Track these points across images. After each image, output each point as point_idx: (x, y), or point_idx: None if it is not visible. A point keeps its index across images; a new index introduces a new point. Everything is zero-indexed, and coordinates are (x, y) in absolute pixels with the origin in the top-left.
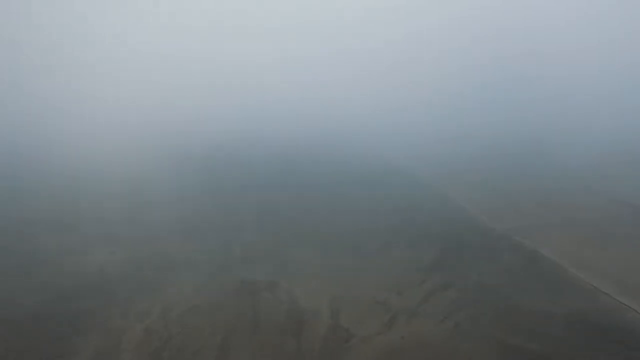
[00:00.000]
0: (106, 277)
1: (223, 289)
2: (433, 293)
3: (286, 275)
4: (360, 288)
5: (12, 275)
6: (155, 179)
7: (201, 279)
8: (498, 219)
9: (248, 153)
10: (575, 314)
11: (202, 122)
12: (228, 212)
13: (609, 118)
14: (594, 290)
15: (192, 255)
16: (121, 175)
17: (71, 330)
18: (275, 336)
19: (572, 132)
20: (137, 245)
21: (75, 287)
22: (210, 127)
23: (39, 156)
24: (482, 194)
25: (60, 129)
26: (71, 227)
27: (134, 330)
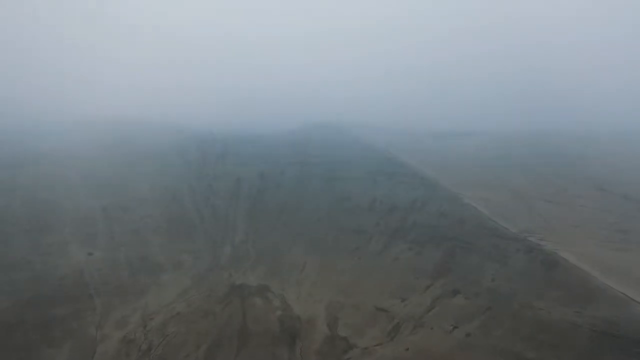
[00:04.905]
0: (82, 281)
1: (210, 294)
2: (440, 299)
3: (278, 277)
4: (359, 293)
5: None
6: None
7: (186, 282)
8: (511, 219)
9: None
10: (603, 325)
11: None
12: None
13: (614, 119)
14: (623, 298)
15: (178, 256)
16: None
17: (42, 339)
18: (266, 347)
19: (581, 133)
20: (117, 246)
21: (48, 291)
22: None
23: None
24: (492, 192)
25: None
26: (47, 226)
27: (111, 339)
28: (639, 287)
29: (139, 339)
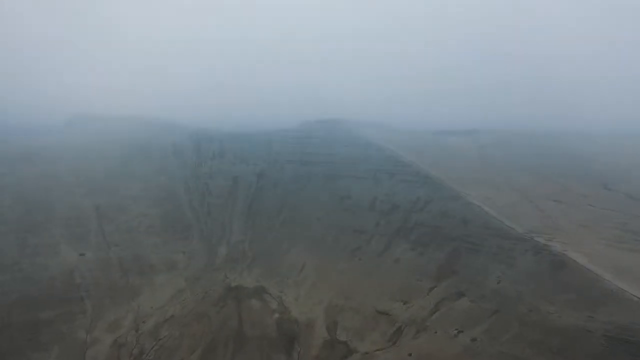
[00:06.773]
0: (73, 282)
1: (204, 296)
2: (444, 302)
3: (276, 279)
4: (360, 295)
5: None
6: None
7: (180, 283)
8: (516, 218)
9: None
10: (616, 330)
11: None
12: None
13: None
14: (637, 302)
15: (172, 257)
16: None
17: (29, 342)
18: (262, 352)
19: (583, 133)
20: (109, 246)
21: (37, 292)
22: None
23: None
24: (496, 191)
25: None
26: (37, 225)
27: (102, 343)
28: None
29: (131, 343)
